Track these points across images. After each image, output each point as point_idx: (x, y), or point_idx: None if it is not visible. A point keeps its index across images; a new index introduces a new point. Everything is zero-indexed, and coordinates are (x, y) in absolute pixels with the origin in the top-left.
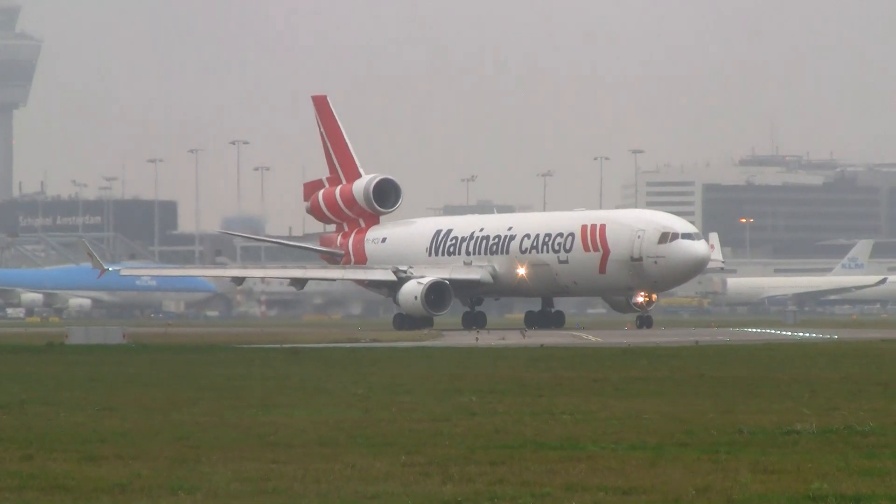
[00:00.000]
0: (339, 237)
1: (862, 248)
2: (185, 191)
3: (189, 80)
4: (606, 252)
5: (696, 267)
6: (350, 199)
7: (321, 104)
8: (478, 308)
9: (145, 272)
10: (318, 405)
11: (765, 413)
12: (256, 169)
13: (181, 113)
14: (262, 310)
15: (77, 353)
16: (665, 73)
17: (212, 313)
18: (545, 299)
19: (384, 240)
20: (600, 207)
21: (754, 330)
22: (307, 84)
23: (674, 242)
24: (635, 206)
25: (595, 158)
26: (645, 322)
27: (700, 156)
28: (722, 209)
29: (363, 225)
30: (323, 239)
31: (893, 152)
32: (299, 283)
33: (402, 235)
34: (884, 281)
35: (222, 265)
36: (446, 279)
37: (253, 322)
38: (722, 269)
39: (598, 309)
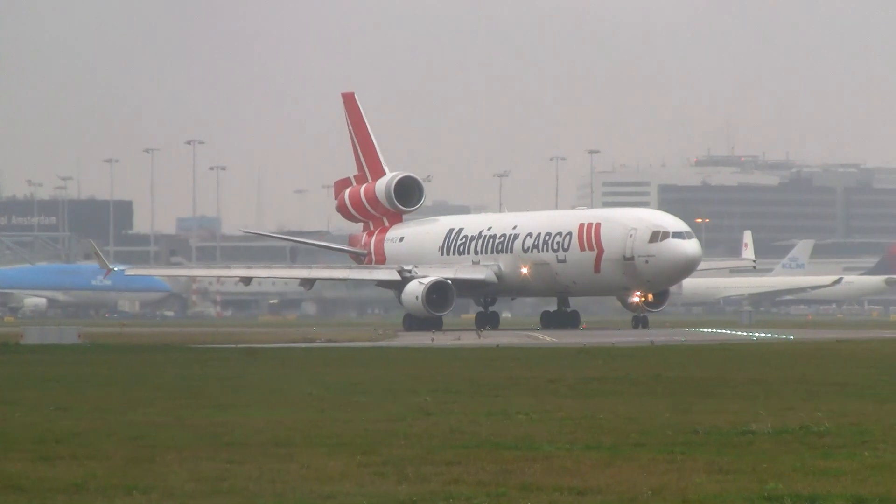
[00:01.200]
0: (364, 236)
1: (803, 248)
2: (141, 191)
3: (145, 79)
4: (601, 251)
5: (687, 266)
6: (373, 198)
7: (349, 101)
8: (492, 308)
9: (150, 272)
10: (274, 405)
11: (720, 413)
12: (212, 168)
13: (137, 113)
14: (217, 310)
15: (32, 352)
16: (621, 73)
17: (167, 313)
18: (560, 299)
19: (402, 239)
20: (556, 208)
21: (710, 330)
22: (263, 83)
23: (664, 241)
24: (590, 206)
25: (551, 159)
26: (641, 322)
27: (656, 156)
28: (677, 209)
29: (387, 224)
30: (352, 238)
31: (849, 153)
32: (307, 282)
33: (418, 234)
34: (839, 281)
35: (227, 266)
36: (450, 279)
37: (208, 322)
38: (754, 267)
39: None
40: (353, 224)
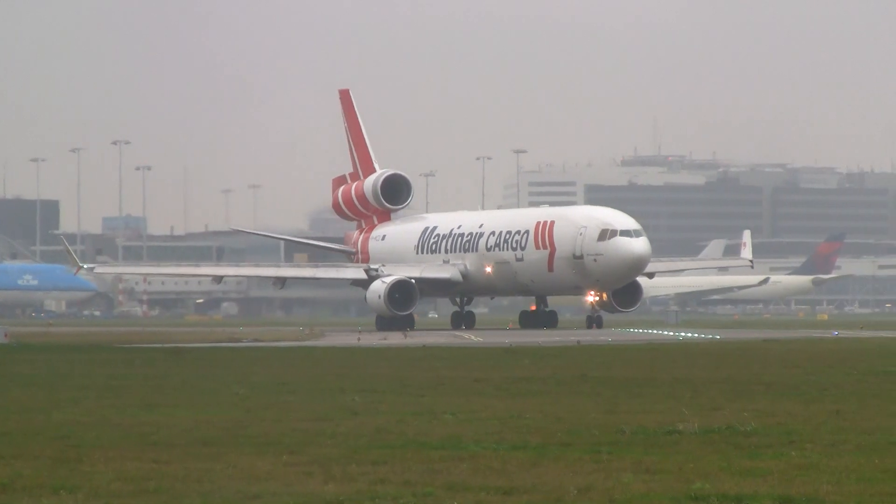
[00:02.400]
0: (355, 234)
1: (714, 247)
2: (67, 190)
3: (71, 79)
4: (553, 250)
5: (634, 265)
6: (362, 196)
7: (345, 98)
8: (467, 308)
9: (118, 270)
10: (201, 405)
11: (647, 413)
12: (138, 168)
13: (63, 112)
14: (143, 309)
15: None
16: (547, 72)
17: (94, 313)
18: (539, 299)
19: (384, 237)
20: (482, 208)
21: (637, 330)
22: (188, 83)
23: (612, 240)
24: (517, 205)
25: (477, 158)
26: (595, 322)
27: (582, 156)
28: None
29: (376, 222)
30: (346, 237)
31: (775, 153)
32: (279, 281)
33: (398, 233)
34: (766, 281)
35: (195, 264)
36: (415, 278)
37: (135, 321)
38: (751, 267)
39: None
40: (284, 225)
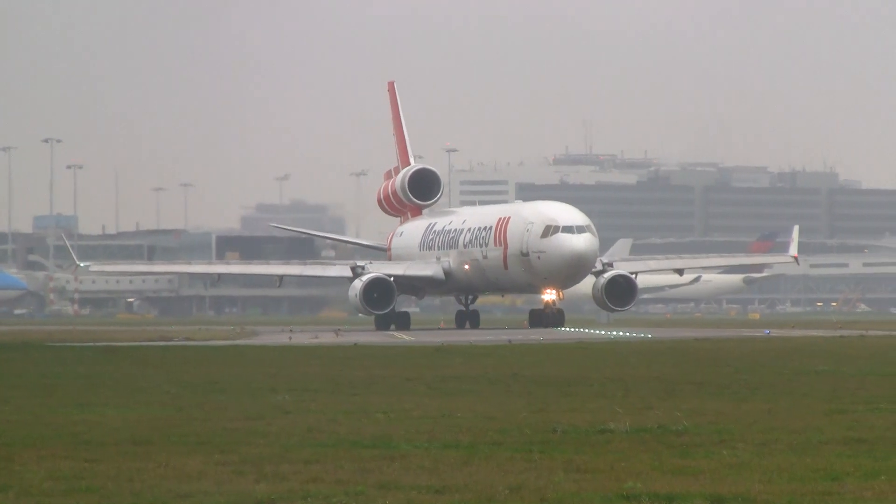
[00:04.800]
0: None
1: (621, 246)
2: None
3: (1, 76)
4: (506, 247)
5: (574, 262)
6: (395, 192)
7: (391, 90)
8: (472, 307)
9: (114, 269)
10: (132, 403)
11: (578, 412)
12: (69, 167)
13: None
14: (74, 308)
15: None
16: (478, 70)
17: (25, 311)
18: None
19: (402, 234)
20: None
21: (568, 329)
22: (119, 80)
23: (554, 236)
24: (448, 205)
25: None
26: (552, 321)
27: (514, 155)
28: None
29: (410, 217)
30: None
31: (707, 152)
32: (277, 278)
33: (410, 230)
34: (698, 280)
35: (187, 262)
36: (397, 275)
37: (66, 320)
38: (797, 264)
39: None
40: (216, 224)
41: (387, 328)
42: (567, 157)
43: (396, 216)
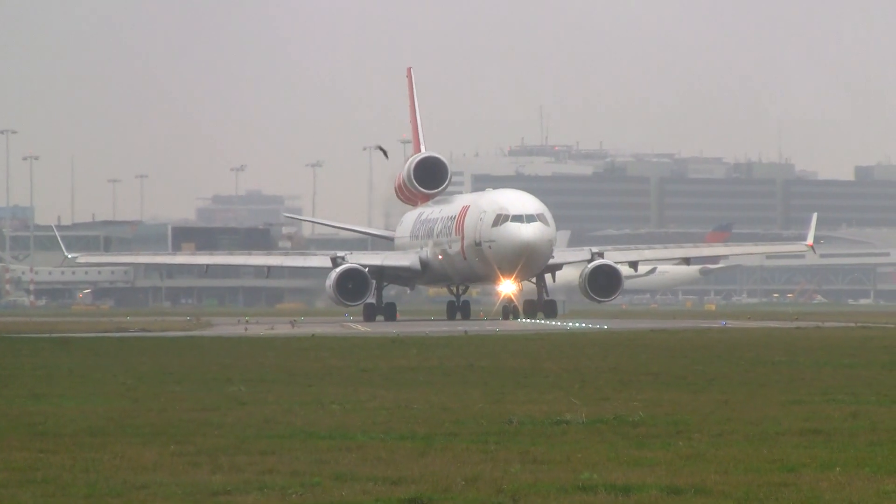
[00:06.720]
0: None
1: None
2: None
3: None
4: (462, 237)
5: (523, 252)
6: (403, 180)
7: (409, 77)
8: (463, 298)
9: (100, 260)
10: (87, 395)
11: (534, 403)
12: (25, 158)
13: None
14: (30, 299)
15: None
16: (434, 61)
17: None
18: (537, 287)
19: (402, 223)
20: (369, 200)
21: (525, 320)
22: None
23: (503, 225)
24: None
25: (364, 149)
26: (511, 312)
27: (469, 146)
28: None
29: (419, 206)
30: None
31: (662, 143)
32: (263, 268)
33: (408, 219)
34: (653, 271)
35: (171, 254)
36: (376, 266)
37: (21, 311)
38: (814, 252)
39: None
40: (171, 214)
41: (373, 319)
42: (523, 149)
43: (412, 205)
